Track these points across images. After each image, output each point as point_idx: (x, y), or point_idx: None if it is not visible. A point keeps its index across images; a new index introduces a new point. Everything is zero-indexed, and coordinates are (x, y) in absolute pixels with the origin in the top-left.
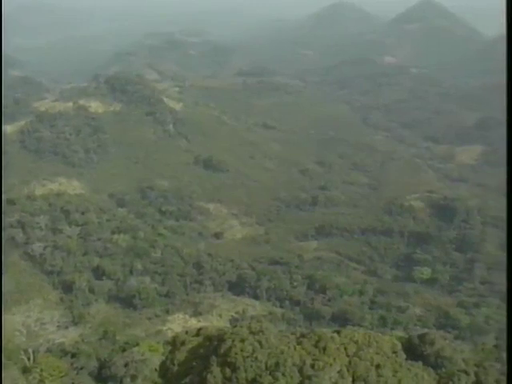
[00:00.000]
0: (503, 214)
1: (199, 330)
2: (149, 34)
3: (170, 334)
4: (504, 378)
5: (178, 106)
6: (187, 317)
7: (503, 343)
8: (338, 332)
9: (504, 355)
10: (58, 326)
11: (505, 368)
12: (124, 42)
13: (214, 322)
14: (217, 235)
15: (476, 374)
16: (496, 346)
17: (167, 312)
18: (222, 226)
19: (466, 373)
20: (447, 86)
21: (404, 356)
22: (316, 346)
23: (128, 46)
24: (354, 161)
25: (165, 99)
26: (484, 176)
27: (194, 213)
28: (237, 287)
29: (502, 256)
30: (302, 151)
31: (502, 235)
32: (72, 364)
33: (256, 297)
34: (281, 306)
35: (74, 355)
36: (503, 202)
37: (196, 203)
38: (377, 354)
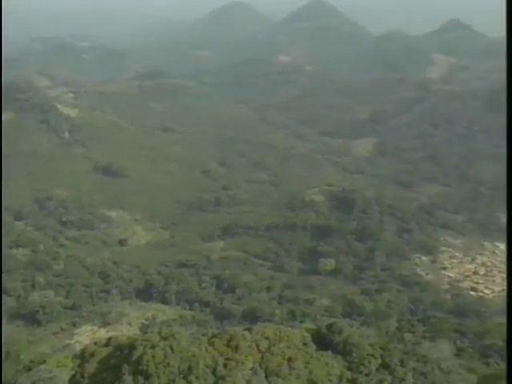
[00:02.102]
0: (398, 203)
1: (109, 339)
2: (36, 38)
3: (78, 348)
4: (408, 358)
5: (72, 113)
6: (95, 328)
7: (405, 325)
8: (249, 329)
9: (405, 336)
10: None
11: (407, 348)
12: (8, 48)
13: (124, 331)
14: (121, 242)
15: (382, 357)
16: (398, 329)
17: (74, 325)
18: (126, 233)
19: (373, 356)
20: (339, 82)
21: (314, 347)
22: (228, 346)
23: (14, 53)
24: (254, 159)
25: (58, 106)
26: (378, 167)
27: (96, 221)
28: (145, 293)
29: (399, 242)
30: (203, 152)
31: (398, 223)
32: None
33: (165, 301)
34: (191, 309)
35: None
36: (397, 191)
37: (98, 211)
38: (288, 347)
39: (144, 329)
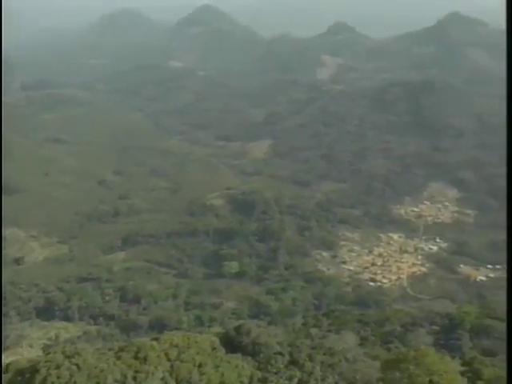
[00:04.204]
0: (297, 202)
1: (7, 365)
2: None
3: None
4: (315, 352)
5: None
6: None
7: (311, 320)
8: (157, 339)
9: (312, 331)
10: None
11: (314, 342)
12: None
13: (25, 354)
14: (17, 261)
15: (290, 354)
16: (304, 324)
17: None
18: (22, 251)
19: (281, 354)
20: (233, 86)
21: (223, 350)
22: (136, 358)
23: None
24: (152, 167)
25: None
26: (275, 168)
27: None
28: (46, 312)
29: (300, 240)
30: (99, 162)
31: (298, 221)
32: None
33: (68, 318)
34: (95, 324)
35: None
36: (295, 190)
37: None
38: (197, 353)
39: (47, 349)
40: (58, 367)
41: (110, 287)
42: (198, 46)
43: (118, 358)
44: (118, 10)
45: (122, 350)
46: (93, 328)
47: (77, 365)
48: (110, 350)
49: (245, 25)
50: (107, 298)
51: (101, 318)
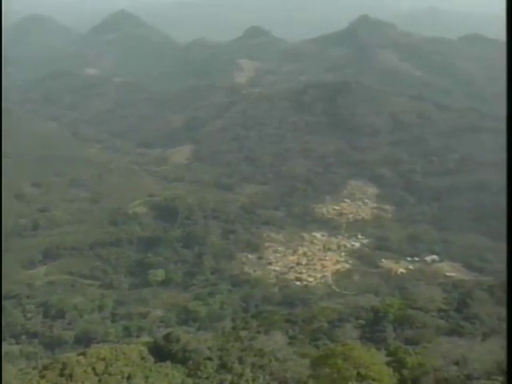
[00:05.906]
0: (220, 206)
1: None
2: None
3: None
4: (245, 354)
5: None
6: None
7: (240, 322)
8: (84, 353)
9: (241, 333)
10: None
11: (244, 345)
12: None
13: None
14: None
15: (220, 358)
16: (234, 327)
17: None
18: None
19: (211, 359)
20: (151, 91)
21: (153, 360)
22: (62, 375)
23: None
24: (71, 177)
25: None
26: (197, 173)
27: None
28: None
29: (226, 244)
30: (15, 175)
31: (223, 225)
32: None
33: None
34: (17, 343)
35: None
36: (218, 194)
37: None
38: (126, 365)
39: None
40: None
41: (32, 303)
42: (113, 52)
43: (43, 377)
44: (28, 16)
45: (46, 367)
46: (15, 347)
47: None
48: (34, 368)
49: (160, 30)
50: (29, 314)
51: (23, 337)
